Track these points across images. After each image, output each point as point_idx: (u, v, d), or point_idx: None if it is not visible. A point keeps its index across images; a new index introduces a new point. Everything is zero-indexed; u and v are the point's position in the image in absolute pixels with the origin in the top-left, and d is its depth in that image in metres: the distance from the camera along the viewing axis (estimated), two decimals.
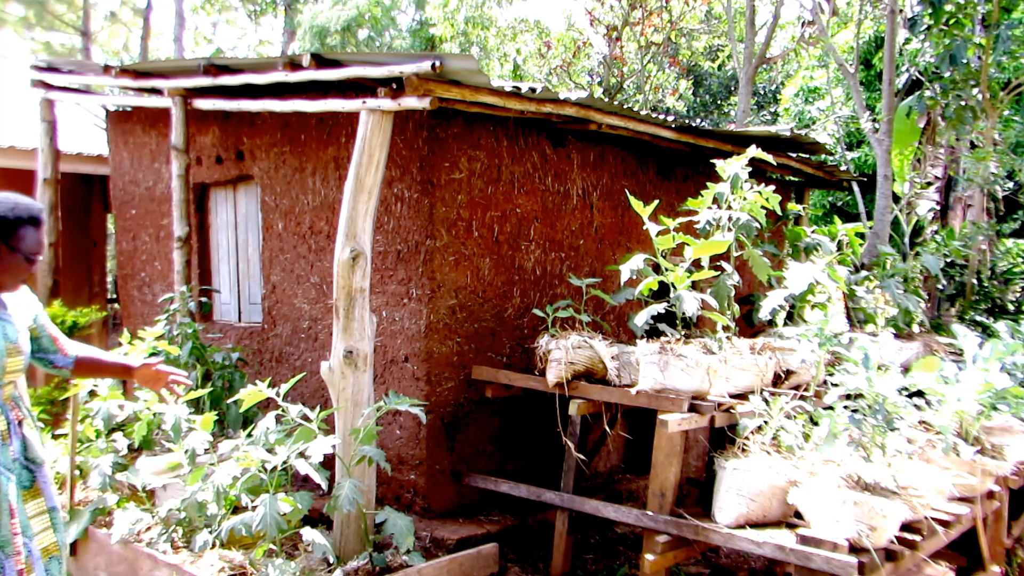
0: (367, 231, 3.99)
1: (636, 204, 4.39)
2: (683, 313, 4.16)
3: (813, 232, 5.65)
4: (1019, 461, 4.18)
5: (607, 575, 4.63)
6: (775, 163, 5.40)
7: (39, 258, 2.71)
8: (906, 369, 3.79)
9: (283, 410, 3.82)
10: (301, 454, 3.71)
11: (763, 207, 4.47)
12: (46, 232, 2.79)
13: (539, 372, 4.56)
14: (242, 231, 6.17)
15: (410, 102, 3.99)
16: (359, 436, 3.81)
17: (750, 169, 4.66)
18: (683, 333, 4.27)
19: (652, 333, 4.35)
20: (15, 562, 2.55)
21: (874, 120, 9.79)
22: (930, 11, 7.93)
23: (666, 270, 4.30)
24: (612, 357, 4.46)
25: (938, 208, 10.07)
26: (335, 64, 4.34)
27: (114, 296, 10.47)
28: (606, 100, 5.10)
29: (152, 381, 3.10)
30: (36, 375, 5.83)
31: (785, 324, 5.16)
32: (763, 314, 4.58)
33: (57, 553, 2.75)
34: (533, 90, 4.29)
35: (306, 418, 3.80)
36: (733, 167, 4.49)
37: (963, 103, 8.18)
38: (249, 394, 3.69)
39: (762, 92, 18.53)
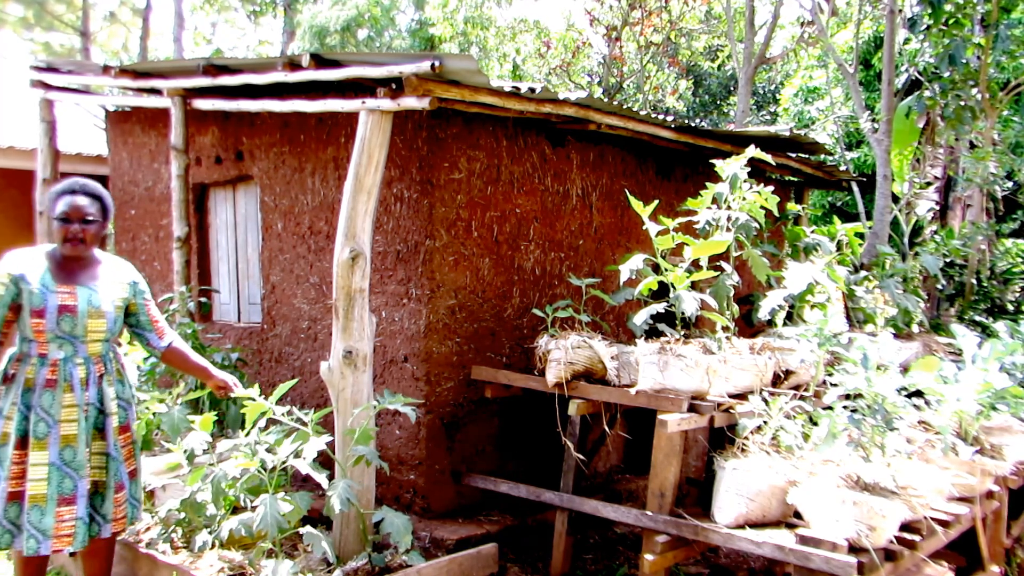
0: (366, 231, 3.99)
1: (635, 204, 4.39)
2: (682, 313, 4.16)
3: (812, 232, 5.65)
4: (1018, 461, 4.18)
5: (607, 575, 4.63)
6: (774, 163, 5.40)
7: (73, 218, 3.27)
8: (905, 369, 3.78)
9: (284, 413, 3.83)
10: (298, 454, 3.71)
11: (762, 207, 4.47)
12: (91, 201, 3.35)
13: (539, 372, 4.56)
14: (241, 231, 6.17)
15: (409, 102, 3.99)
16: (355, 436, 3.82)
17: (749, 169, 4.66)
18: (682, 333, 4.27)
19: (652, 333, 4.34)
20: (8, 485, 3.17)
21: (873, 120, 9.79)
22: (929, 11, 7.93)
23: (665, 270, 4.30)
24: (612, 357, 4.46)
25: (937, 208, 10.07)
26: (334, 64, 4.34)
27: None
28: (606, 100, 5.10)
29: (218, 389, 3.74)
30: None
31: (784, 324, 5.15)
32: (762, 314, 4.58)
33: (104, 492, 3.35)
34: (532, 90, 4.29)
35: (303, 421, 3.81)
36: (732, 167, 4.49)
37: (962, 103, 8.18)
38: (251, 408, 3.74)
39: (761, 92, 18.53)
